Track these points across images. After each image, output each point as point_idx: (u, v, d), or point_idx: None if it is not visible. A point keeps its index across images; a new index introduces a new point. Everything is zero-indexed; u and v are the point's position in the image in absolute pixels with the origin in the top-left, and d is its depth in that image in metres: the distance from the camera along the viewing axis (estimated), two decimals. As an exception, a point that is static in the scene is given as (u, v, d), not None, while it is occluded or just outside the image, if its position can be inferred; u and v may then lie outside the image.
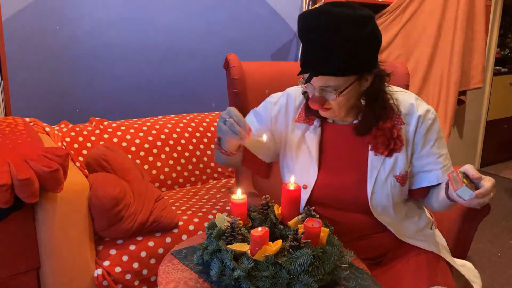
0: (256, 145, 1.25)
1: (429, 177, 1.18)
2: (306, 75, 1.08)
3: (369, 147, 1.17)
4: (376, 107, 1.14)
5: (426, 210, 1.32)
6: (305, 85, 1.12)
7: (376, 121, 1.15)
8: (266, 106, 1.31)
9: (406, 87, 1.61)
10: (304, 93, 1.24)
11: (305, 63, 1.08)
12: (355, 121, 1.20)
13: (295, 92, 1.29)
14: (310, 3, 2.88)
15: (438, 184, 1.17)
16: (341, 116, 1.18)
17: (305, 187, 1.21)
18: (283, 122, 1.28)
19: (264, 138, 1.15)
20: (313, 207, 1.09)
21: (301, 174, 1.23)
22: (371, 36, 1.05)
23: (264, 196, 1.16)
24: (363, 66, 1.08)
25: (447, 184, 1.05)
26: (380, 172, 1.16)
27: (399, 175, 1.16)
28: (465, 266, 1.27)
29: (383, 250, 1.24)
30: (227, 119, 1.07)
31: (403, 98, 1.18)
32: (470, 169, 0.99)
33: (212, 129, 2.22)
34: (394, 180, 1.16)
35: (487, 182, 0.96)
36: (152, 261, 1.56)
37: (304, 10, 2.86)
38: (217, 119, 1.12)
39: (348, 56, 1.04)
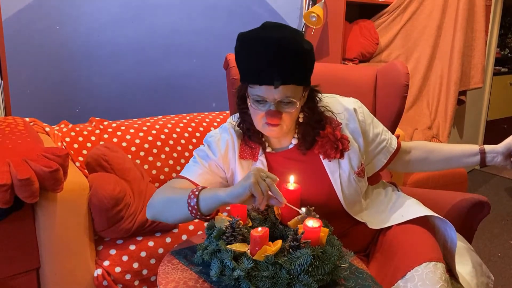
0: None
1: (381, 158, 1.29)
2: (261, 92, 1.07)
3: (321, 157, 1.20)
4: (313, 122, 1.17)
5: (383, 181, 1.42)
6: (259, 102, 1.09)
7: (316, 133, 1.19)
8: (211, 145, 1.23)
9: (406, 87, 1.62)
10: (240, 126, 1.21)
11: (268, 74, 1.05)
12: (294, 142, 1.22)
13: (231, 128, 1.24)
14: (310, 2, 2.88)
15: (395, 154, 1.29)
16: (285, 134, 1.19)
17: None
18: (232, 158, 1.21)
19: (303, 210, 1.07)
20: (313, 207, 1.10)
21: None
22: (312, 49, 1.11)
23: None
24: (309, 77, 1.13)
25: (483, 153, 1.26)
26: (341, 175, 1.20)
27: (358, 170, 1.22)
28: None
29: (367, 240, 1.27)
30: (265, 178, 0.97)
31: (330, 101, 1.24)
32: None
33: (212, 129, 2.20)
34: (356, 176, 1.21)
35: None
36: (152, 261, 1.56)
37: (304, 10, 2.87)
38: (251, 178, 0.96)
39: (307, 66, 1.09)
